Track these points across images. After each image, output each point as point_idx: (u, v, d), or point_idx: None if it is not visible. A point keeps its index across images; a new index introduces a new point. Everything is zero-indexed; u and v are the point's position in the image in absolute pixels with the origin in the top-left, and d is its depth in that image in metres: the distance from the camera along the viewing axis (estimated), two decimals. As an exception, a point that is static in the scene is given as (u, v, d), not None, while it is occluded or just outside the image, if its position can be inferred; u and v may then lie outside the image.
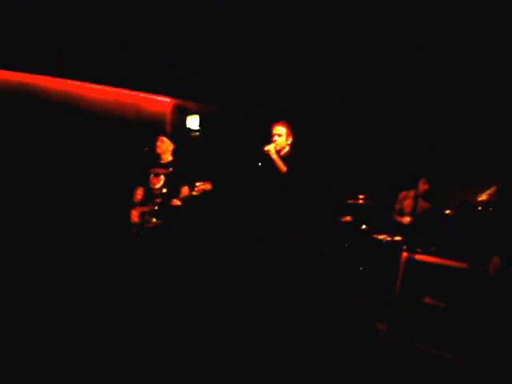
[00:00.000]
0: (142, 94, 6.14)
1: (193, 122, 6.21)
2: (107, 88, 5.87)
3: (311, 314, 4.10)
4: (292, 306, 4.02)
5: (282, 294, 3.94)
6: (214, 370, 2.95)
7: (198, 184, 4.10)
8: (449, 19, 4.07)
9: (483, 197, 3.67)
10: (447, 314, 3.35)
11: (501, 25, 3.93)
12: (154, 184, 4.35)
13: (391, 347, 3.64)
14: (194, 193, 4.08)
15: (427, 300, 3.64)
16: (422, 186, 4.99)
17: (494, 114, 4.97)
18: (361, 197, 5.08)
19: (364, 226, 5.09)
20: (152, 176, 4.38)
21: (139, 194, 4.44)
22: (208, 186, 4.08)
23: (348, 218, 5.20)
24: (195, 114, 6.22)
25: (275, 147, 3.98)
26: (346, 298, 4.55)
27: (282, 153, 4.03)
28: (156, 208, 4.24)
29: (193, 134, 6.16)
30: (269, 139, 4.05)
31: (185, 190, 4.23)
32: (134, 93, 6.06)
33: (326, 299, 4.49)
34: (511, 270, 2.41)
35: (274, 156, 3.93)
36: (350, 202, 5.12)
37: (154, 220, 4.24)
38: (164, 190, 4.27)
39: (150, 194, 4.33)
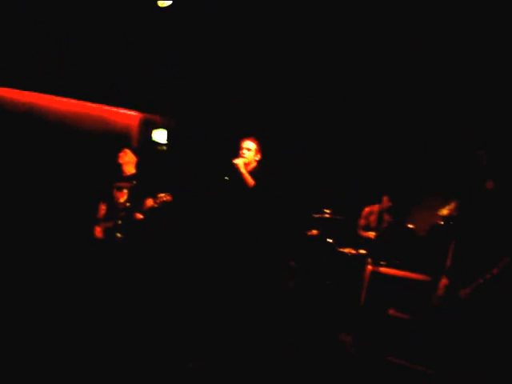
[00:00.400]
0: (109, 108, 6.05)
1: (159, 135, 6.16)
2: (74, 101, 5.76)
3: (277, 327, 4.09)
4: (256, 318, 4.00)
5: (247, 307, 3.92)
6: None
7: (159, 195, 4.08)
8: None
9: (444, 211, 3.79)
10: (411, 326, 3.42)
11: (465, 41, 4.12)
12: (118, 198, 4.28)
13: (356, 358, 3.67)
14: (155, 204, 4.05)
15: (391, 312, 3.70)
16: (386, 203, 5.13)
17: (453, 132, 5.17)
18: (327, 211, 5.16)
19: (330, 240, 5.16)
20: (115, 190, 4.31)
21: (103, 209, 4.37)
22: (168, 198, 4.05)
23: (314, 232, 5.25)
24: (162, 127, 6.18)
25: (244, 163, 3.97)
26: (312, 311, 4.57)
27: (249, 168, 4.03)
28: (120, 223, 4.16)
29: (159, 147, 6.10)
30: (236, 153, 4.05)
31: (149, 203, 4.17)
32: (101, 106, 5.97)
33: (291, 312, 4.50)
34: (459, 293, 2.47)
35: (243, 170, 3.90)
36: (316, 215, 5.19)
37: (119, 235, 4.15)
38: (128, 204, 4.20)
39: (114, 209, 4.26)
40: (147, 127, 6.23)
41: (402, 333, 3.49)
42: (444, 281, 2.56)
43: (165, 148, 5.92)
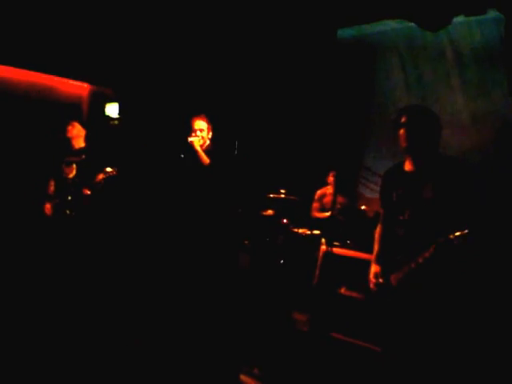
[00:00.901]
0: (58, 78, 5.73)
1: (112, 109, 5.92)
2: (20, 70, 5.38)
3: (231, 308, 4.10)
4: (211, 298, 3.99)
5: (199, 286, 3.90)
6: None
7: (105, 170, 3.95)
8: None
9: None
10: (362, 305, 3.52)
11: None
12: (67, 174, 4.09)
13: (309, 337, 3.75)
14: (101, 180, 3.92)
15: (343, 291, 3.79)
16: (333, 180, 5.24)
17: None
18: (282, 191, 5.18)
19: (285, 220, 5.19)
20: (64, 165, 4.11)
21: (52, 185, 4.18)
22: (114, 172, 3.94)
23: (269, 212, 5.26)
24: (115, 101, 5.93)
25: (198, 141, 3.93)
26: (266, 291, 4.61)
27: (204, 147, 3.99)
28: (69, 198, 3.99)
29: (112, 122, 5.87)
30: (190, 130, 3.99)
31: (99, 177, 4.01)
32: (49, 76, 5.62)
33: (245, 292, 4.52)
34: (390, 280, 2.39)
35: (198, 148, 3.88)
36: (271, 196, 5.19)
37: (68, 212, 3.98)
38: (76, 180, 4.03)
39: (63, 185, 4.08)
40: (98, 100, 5.98)
41: (353, 311, 3.59)
42: (374, 268, 2.51)
43: (116, 122, 5.70)
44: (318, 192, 5.53)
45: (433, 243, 2.12)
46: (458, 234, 2.03)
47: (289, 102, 5.78)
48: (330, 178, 5.38)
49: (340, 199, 5.10)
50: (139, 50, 5.45)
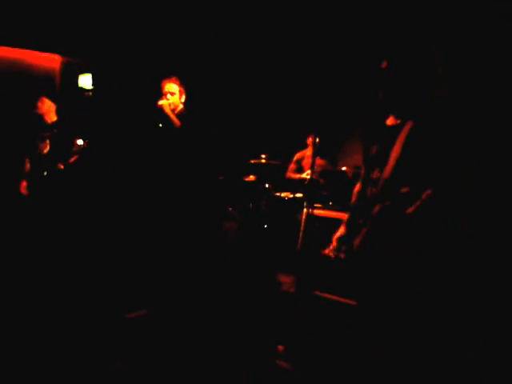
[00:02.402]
0: (27, 51, 5.51)
1: (85, 80, 5.75)
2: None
3: (216, 272, 4.15)
4: (195, 265, 4.02)
5: (183, 254, 3.91)
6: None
7: (76, 143, 3.90)
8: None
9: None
10: (345, 265, 3.58)
11: None
12: (42, 149, 4.02)
13: (295, 297, 3.83)
14: (73, 160, 3.86)
15: (325, 252, 3.84)
16: (311, 143, 5.21)
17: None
18: (263, 156, 5.15)
19: (267, 185, 5.19)
20: (38, 141, 4.04)
21: (27, 162, 4.11)
22: (84, 144, 3.87)
23: (251, 178, 5.25)
24: (88, 72, 5.76)
25: (169, 105, 3.81)
26: (251, 256, 4.66)
27: (177, 111, 3.88)
28: (45, 174, 3.93)
29: (86, 93, 5.72)
30: (161, 95, 3.86)
31: (72, 159, 3.96)
32: (18, 49, 5.41)
33: (230, 256, 4.57)
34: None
35: (168, 111, 3.76)
36: (252, 161, 5.17)
37: (42, 188, 3.93)
38: (51, 154, 3.97)
39: (39, 161, 4.01)
40: (71, 71, 5.80)
41: (336, 270, 3.65)
42: (341, 231, 2.38)
43: (90, 94, 5.55)
44: (297, 154, 5.53)
45: (379, 203, 2.01)
46: (402, 196, 1.92)
47: (268, 64, 5.67)
48: (309, 140, 5.37)
49: (319, 161, 5.11)
50: (109, 16, 5.25)
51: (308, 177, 4.59)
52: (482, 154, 2.88)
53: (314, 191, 4.29)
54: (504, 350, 2.51)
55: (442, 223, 2.02)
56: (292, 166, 5.51)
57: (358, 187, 2.43)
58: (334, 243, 2.37)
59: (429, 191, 1.95)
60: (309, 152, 5.37)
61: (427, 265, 2.07)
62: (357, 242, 2.21)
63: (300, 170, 5.43)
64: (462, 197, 2.61)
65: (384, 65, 2.11)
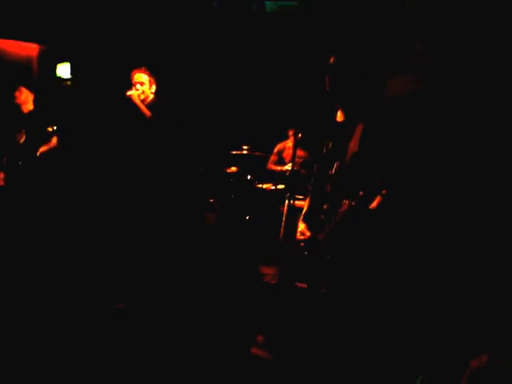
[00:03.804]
0: (4, 40, 5.38)
1: (63, 69, 5.64)
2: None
3: (198, 262, 4.14)
4: (178, 255, 4.01)
5: (164, 246, 3.89)
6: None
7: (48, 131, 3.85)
8: None
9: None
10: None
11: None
12: (18, 139, 3.97)
13: (277, 288, 3.84)
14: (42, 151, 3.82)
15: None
16: (293, 137, 5.20)
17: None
18: (245, 147, 5.13)
19: (249, 177, 5.19)
20: (15, 131, 3.98)
21: (4, 153, 4.06)
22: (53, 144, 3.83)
23: (233, 169, 5.24)
24: (66, 61, 5.65)
25: (139, 96, 3.77)
26: (233, 247, 4.66)
27: (147, 102, 3.84)
28: (20, 163, 3.87)
29: (64, 82, 5.62)
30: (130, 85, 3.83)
31: (41, 150, 3.91)
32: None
33: (212, 248, 4.55)
34: None
35: (137, 101, 3.73)
36: (234, 152, 5.15)
37: (19, 178, 3.88)
38: (26, 144, 3.92)
39: (15, 150, 3.95)
40: (49, 60, 5.68)
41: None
42: (301, 227, 2.36)
43: (69, 83, 5.46)
44: (278, 145, 5.50)
45: (347, 199, 2.01)
46: (365, 192, 1.94)
47: (248, 53, 5.62)
48: (291, 132, 5.35)
49: (300, 153, 5.09)
50: (88, 5, 5.14)
51: (290, 168, 4.59)
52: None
53: (295, 183, 4.30)
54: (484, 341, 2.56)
55: (402, 216, 2.07)
56: (273, 158, 5.48)
57: (311, 186, 2.45)
58: (300, 237, 2.34)
59: (387, 186, 1.98)
60: (290, 143, 5.35)
61: (393, 255, 2.12)
62: (321, 236, 2.20)
63: (281, 161, 5.41)
64: (420, 190, 2.65)
65: (332, 60, 2.12)
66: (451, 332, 2.51)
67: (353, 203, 1.99)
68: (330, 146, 2.24)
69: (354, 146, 2.07)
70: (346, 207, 2.01)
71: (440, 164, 2.82)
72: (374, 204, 1.98)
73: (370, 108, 2.11)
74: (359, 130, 2.08)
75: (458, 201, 2.78)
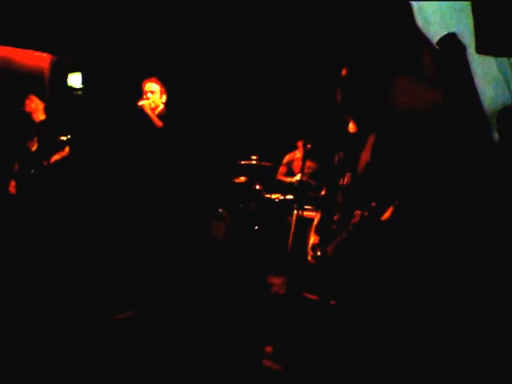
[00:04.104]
0: (15, 49, 5.46)
1: (74, 79, 5.72)
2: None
3: (207, 273, 4.14)
4: (187, 266, 4.01)
5: (172, 255, 3.90)
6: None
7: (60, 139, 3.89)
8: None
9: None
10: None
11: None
12: (30, 147, 4.02)
13: (285, 298, 3.82)
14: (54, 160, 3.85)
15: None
16: (302, 148, 5.20)
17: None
18: (254, 157, 5.15)
19: (257, 186, 5.19)
20: (27, 139, 4.03)
21: (16, 161, 4.12)
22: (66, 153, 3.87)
23: (242, 179, 5.25)
24: (77, 71, 5.72)
25: (150, 105, 3.79)
26: (242, 257, 4.65)
27: (157, 111, 3.86)
28: (32, 172, 3.92)
29: (75, 92, 5.69)
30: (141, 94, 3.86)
31: (53, 159, 3.96)
32: (8, 48, 5.35)
33: (221, 258, 4.55)
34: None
35: (149, 111, 3.75)
36: (243, 162, 5.16)
37: (30, 187, 3.91)
38: (38, 153, 3.97)
39: (27, 159, 4.00)
40: (60, 70, 5.76)
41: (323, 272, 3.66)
42: (313, 239, 2.37)
43: (80, 92, 5.52)
44: (287, 157, 5.50)
45: (359, 210, 2.00)
46: (377, 203, 1.92)
47: (260, 64, 5.65)
48: (300, 143, 5.36)
49: (309, 164, 5.10)
50: (99, 15, 5.21)
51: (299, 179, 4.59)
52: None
53: (304, 193, 4.30)
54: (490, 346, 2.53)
55: (415, 228, 2.05)
56: (282, 169, 5.48)
57: (322, 197, 2.47)
58: (310, 252, 2.35)
59: (400, 197, 1.96)
60: (298, 154, 5.36)
61: (403, 267, 2.10)
62: (331, 248, 2.19)
63: (290, 172, 5.42)
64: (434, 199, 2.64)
65: (344, 72, 2.15)
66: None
67: (365, 214, 1.98)
68: (342, 156, 2.25)
69: (366, 156, 2.09)
70: (358, 218, 2.01)
71: (453, 174, 2.82)
72: (386, 215, 1.98)
73: (382, 119, 2.13)
74: (371, 140, 2.09)
75: (473, 212, 2.77)
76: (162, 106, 3.90)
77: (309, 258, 2.37)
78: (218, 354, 2.89)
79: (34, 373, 2.47)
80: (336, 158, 2.30)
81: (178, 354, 2.84)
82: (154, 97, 3.81)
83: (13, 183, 4.07)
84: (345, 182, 2.19)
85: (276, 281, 4.17)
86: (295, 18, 5.04)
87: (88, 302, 3.40)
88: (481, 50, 2.87)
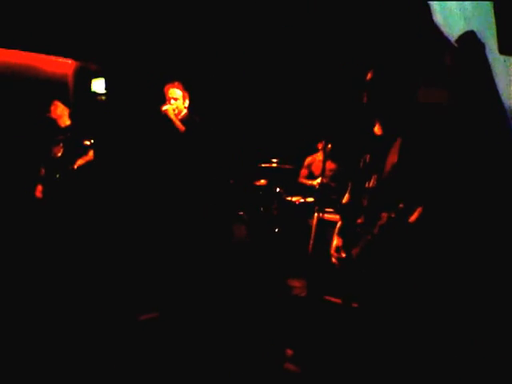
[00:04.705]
0: (39, 55, 5.59)
1: (98, 85, 5.82)
2: (2, 50, 5.23)
3: (228, 276, 4.15)
4: (207, 269, 4.04)
5: (193, 258, 3.92)
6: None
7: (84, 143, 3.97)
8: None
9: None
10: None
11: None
12: (56, 153, 4.10)
13: (306, 301, 3.82)
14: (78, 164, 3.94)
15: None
16: (322, 148, 5.18)
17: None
18: (274, 160, 5.15)
19: (278, 189, 5.19)
20: (52, 145, 4.12)
21: (42, 166, 4.21)
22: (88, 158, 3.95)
23: (262, 182, 5.26)
24: (101, 76, 5.82)
25: (173, 110, 3.83)
26: (263, 260, 4.66)
27: (180, 116, 3.90)
28: (57, 177, 4.00)
29: (99, 98, 5.79)
30: (164, 99, 3.90)
31: (77, 163, 4.04)
32: (30, 54, 5.48)
33: (242, 262, 4.57)
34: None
35: (172, 116, 3.79)
36: (263, 165, 5.17)
37: (57, 191, 4.00)
38: (64, 158, 4.05)
39: (53, 164, 4.08)
40: (84, 76, 5.87)
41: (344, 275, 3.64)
42: (337, 241, 2.36)
43: (104, 98, 5.61)
44: (308, 159, 5.50)
45: (385, 212, 1.97)
46: (405, 205, 1.90)
47: (280, 67, 5.66)
48: (320, 145, 5.34)
49: (330, 166, 5.08)
50: (123, 21, 5.29)
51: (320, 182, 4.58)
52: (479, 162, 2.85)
53: (324, 196, 4.28)
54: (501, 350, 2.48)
55: (443, 231, 2.02)
56: (303, 171, 5.48)
57: (346, 198, 2.43)
58: (334, 254, 2.34)
59: (428, 199, 1.94)
60: (319, 156, 5.34)
61: (430, 270, 2.06)
62: (356, 250, 2.18)
63: (311, 175, 5.41)
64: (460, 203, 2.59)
65: (369, 76, 2.13)
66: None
67: (392, 215, 1.96)
68: (368, 159, 2.23)
69: (393, 158, 2.06)
70: (384, 220, 1.98)
71: (481, 176, 2.77)
72: (414, 217, 1.95)
73: (409, 121, 2.11)
74: (398, 143, 2.07)
75: (503, 215, 2.71)
76: (184, 111, 3.94)
77: (333, 259, 2.35)
78: (239, 356, 2.90)
79: (56, 372, 2.52)
80: (362, 160, 2.27)
81: (199, 355, 2.86)
82: (177, 102, 3.86)
83: (39, 188, 4.15)
84: (371, 185, 2.16)
85: (297, 283, 4.18)
86: (318, 21, 5.02)
87: (112, 302, 3.46)
88: (503, 50, 2.81)
